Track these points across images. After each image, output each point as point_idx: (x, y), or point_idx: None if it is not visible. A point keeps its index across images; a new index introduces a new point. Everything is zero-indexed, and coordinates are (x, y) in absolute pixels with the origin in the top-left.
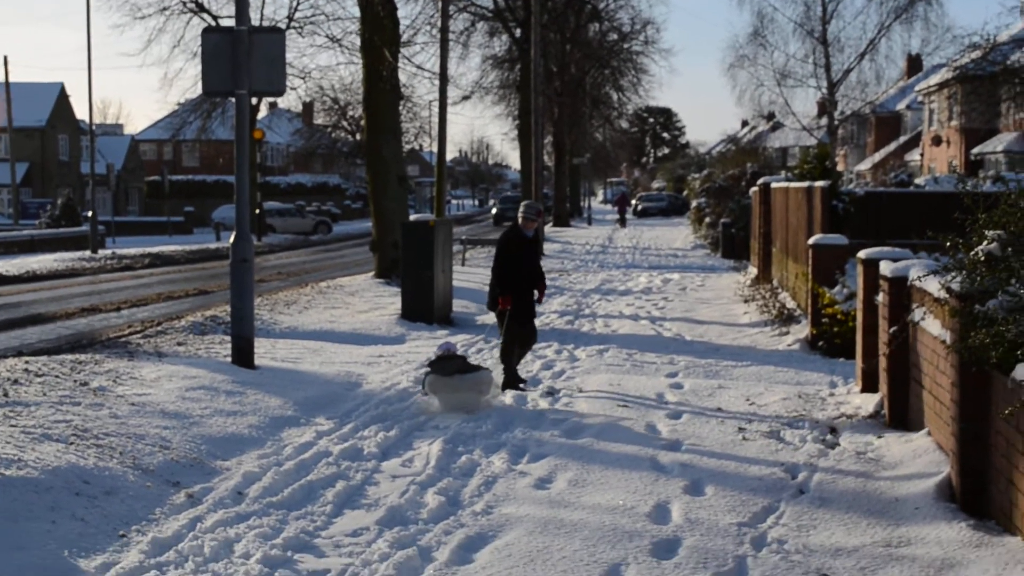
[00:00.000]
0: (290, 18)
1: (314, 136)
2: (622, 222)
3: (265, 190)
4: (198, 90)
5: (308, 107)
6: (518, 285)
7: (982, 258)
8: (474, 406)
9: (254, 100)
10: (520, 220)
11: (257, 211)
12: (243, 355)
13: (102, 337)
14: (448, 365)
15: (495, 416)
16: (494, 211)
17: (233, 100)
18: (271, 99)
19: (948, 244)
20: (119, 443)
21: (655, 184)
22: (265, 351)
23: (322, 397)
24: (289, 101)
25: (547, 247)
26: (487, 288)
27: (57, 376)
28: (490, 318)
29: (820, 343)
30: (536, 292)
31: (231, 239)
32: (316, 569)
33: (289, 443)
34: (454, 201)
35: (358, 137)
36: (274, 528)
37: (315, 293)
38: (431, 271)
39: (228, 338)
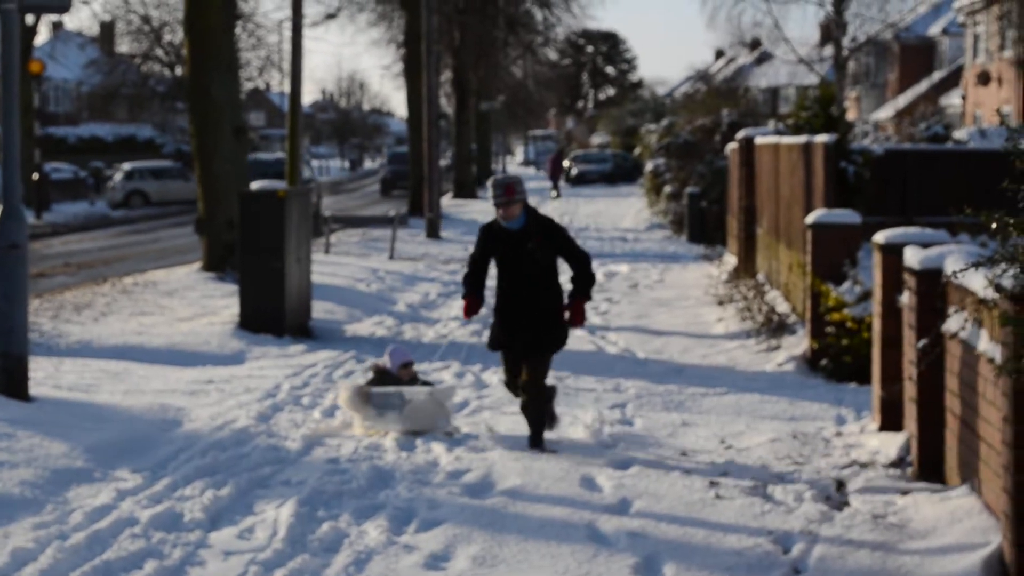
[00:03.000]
0: None
1: (117, 70)
2: (555, 191)
3: (47, 146)
4: None
5: (108, 29)
6: (507, 293)
7: None
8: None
9: (28, 18)
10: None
11: (35, 176)
12: (13, 382)
13: None
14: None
15: (368, 468)
16: (383, 175)
17: None
18: (54, 16)
19: (997, 224)
20: None
21: (595, 139)
22: (46, 375)
23: (126, 441)
24: (81, 20)
25: (446, 229)
26: (359, 285)
27: None
28: (364, 328)
29: (823, 361)
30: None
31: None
32: None
33: (78, 507)
34: (316, 162)
35: (178, 72)
36: None
37: (117, 293)
38: (281, 262)
39: None
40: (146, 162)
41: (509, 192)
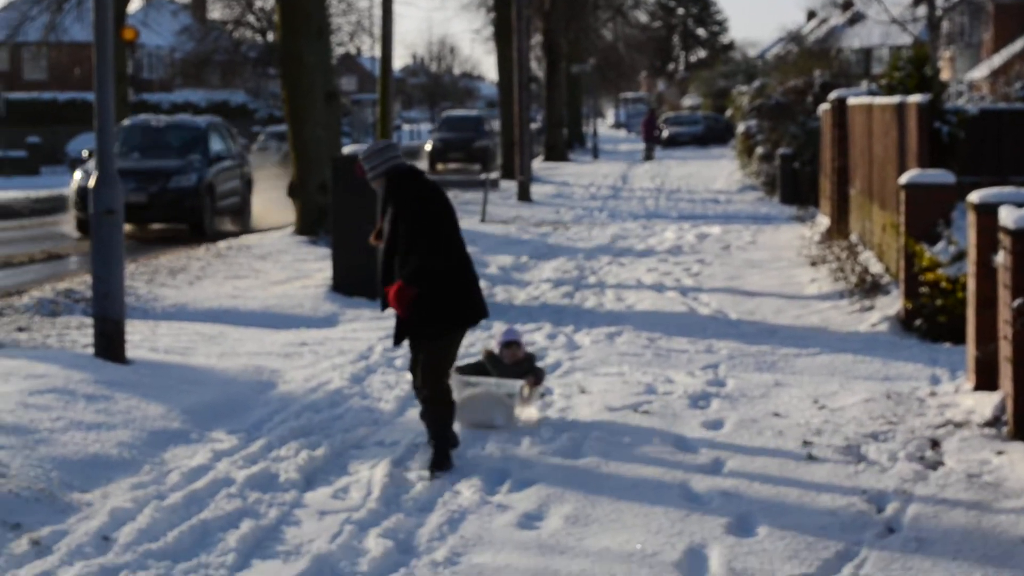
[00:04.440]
0: None
1: (209, 37)
2: (648, 152)
3: (141, 112)
4: None
5: None
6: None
7: None
8: (487, 422)
9: None
10: None
11: None
12: (110, 345)
13: None
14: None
15: (462, 429)
16: (432, 144)
17: None
18: None
19: None
20: None
21: (687, 101)
22: (142, 339)
23: (222, 403)
24: None
25: (537, 190)
26: None
27: None
28: None
29: (917, 322)
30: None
31: (92, 182)
32: None
33: (175, 467)
34: (406, 127)
35: (270, 38)
36: None
37: (212, 256)
38: (373, 225)
39: (89, 320)
40: (281, 127)
41: (358, 171)
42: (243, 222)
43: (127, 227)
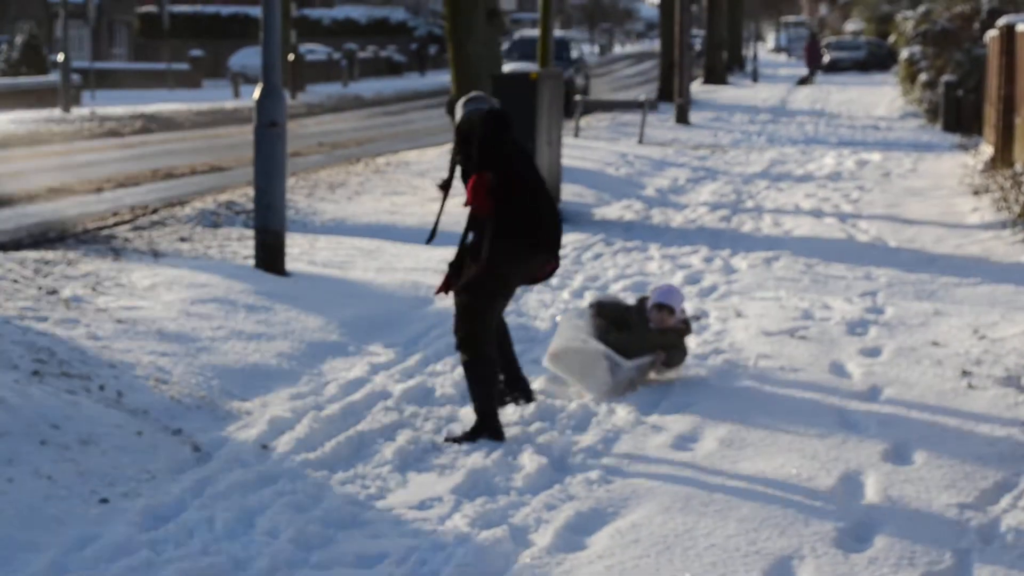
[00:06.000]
0: None
1: None
2: (810, 76)
3: (302, 27)
4: None
5: None
6: None
7: None
8: (589, 387)
9: None
10: None
11: (291, 56)
12: (271, 256)
13: (77, 228)
14: (609, 309)
15: None
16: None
17: None
18: None
19: None
20: (100, 374)
21: (849, 26)
22: (301, 251)
23: (379, 316)
24: None
25: (696, 114)
26: (608, 169)
27: (15, 280)
28: (612, 212)
29: None
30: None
31: (255, 95)
32: (368, 554)
33: (332, 379)
34: None
35: None
36: (311, 496)
37: (370, 172)
38: (532, 143)
39: (250, 232)
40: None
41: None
42: None
43: None
